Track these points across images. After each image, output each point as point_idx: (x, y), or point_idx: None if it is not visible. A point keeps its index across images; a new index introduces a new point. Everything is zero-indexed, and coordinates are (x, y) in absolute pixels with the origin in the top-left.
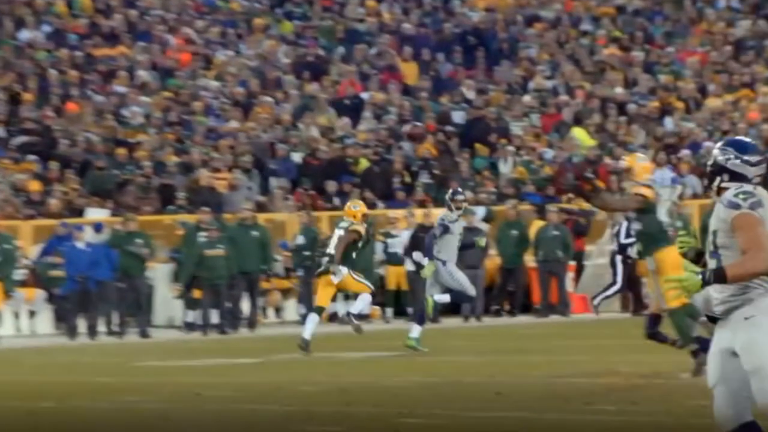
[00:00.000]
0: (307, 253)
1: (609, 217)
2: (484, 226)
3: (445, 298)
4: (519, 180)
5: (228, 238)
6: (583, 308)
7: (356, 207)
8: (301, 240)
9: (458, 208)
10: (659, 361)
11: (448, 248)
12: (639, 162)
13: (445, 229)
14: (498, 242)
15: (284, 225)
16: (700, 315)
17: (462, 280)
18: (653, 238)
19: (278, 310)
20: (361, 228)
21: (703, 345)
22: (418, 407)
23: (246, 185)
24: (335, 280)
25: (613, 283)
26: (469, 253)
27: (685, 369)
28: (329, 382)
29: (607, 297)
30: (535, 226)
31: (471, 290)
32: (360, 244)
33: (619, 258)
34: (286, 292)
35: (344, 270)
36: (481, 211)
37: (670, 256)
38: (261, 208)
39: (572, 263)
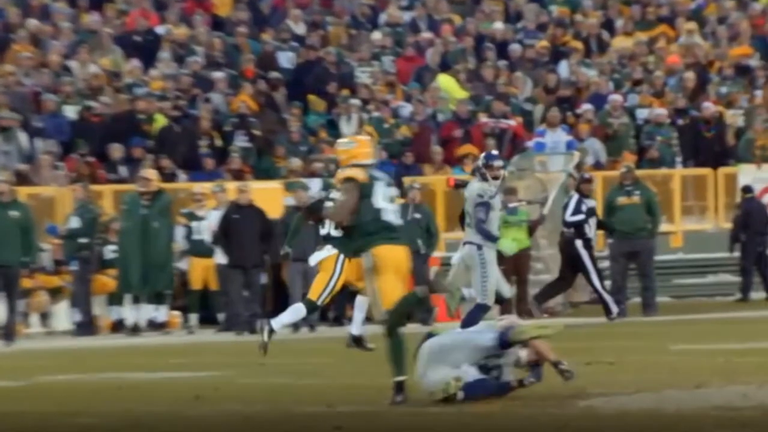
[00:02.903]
0: (84, 240)
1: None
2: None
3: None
4: None
5: None
6: (444, 314)
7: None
8: (75, 223)
9: (495, 178)
10: None
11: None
12: (343, 147)
13: (487, 207)
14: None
15: (53, 202)
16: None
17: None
18: (367, 230)
19: (45, 317)
20: None
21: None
22: None
23: (1, 149)
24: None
25: (587, 275)
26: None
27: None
28: (115, 413)
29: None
30: None
31: (506, 291)
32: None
33: (579, 243)
34: (55, 293)
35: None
36: (317, 184)
37: (392, 253)
38: (21, 179)
39: (436, 255)
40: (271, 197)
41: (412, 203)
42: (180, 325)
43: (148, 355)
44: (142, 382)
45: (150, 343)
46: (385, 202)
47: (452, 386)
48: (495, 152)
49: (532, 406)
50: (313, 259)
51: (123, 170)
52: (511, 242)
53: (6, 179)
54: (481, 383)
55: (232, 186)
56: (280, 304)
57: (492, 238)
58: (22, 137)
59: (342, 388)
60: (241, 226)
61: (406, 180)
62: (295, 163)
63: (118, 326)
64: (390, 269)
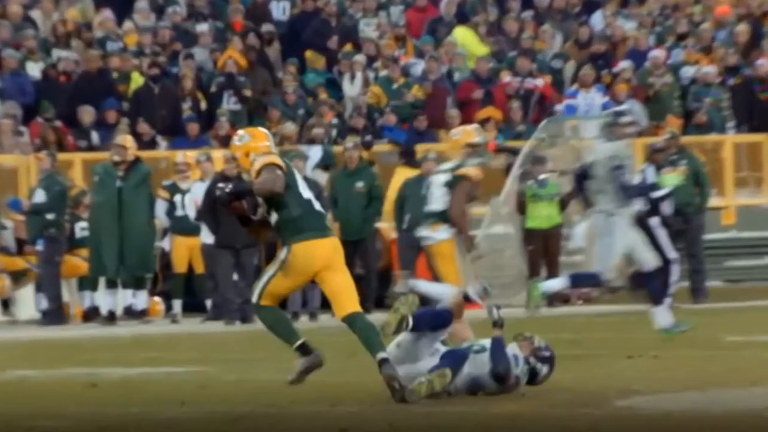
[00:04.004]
0: (51, 216)
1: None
2: (322, 176)
3: (558, 284)
4: (373, 107)
5: None
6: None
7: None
8: (41, 196)
9: (623, 136)
10: None
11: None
12: (237, 143)
13: (625, 170)
14: (334, 202)
15: (15, 173)
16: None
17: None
18: (299, 224)
19: (6, 304)
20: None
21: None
22: None
23: None
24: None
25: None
26: None
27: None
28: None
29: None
30: (399, 177)
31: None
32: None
33: (656, 221)
34: (18, 277)
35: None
36: (317, 152)
37: (312, 251)
38: None
39: None
40: None
41: (426, 176)
42: (162, 313)
43: (125, 348)
44: (118, 378)
45: (127, 333)
46: (307, 191)
47: (437, 383)
48: (624, 107)
49: (563, 406)
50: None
51: (94, 137)
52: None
53: None
54: (446, 362)
55: (219, 154)
56: None
57: (631, 194)
58: None
59: (346, 385)
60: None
61: (419, 148)
62: (291, 128)
63: (90, 314)
64: (298, 270)
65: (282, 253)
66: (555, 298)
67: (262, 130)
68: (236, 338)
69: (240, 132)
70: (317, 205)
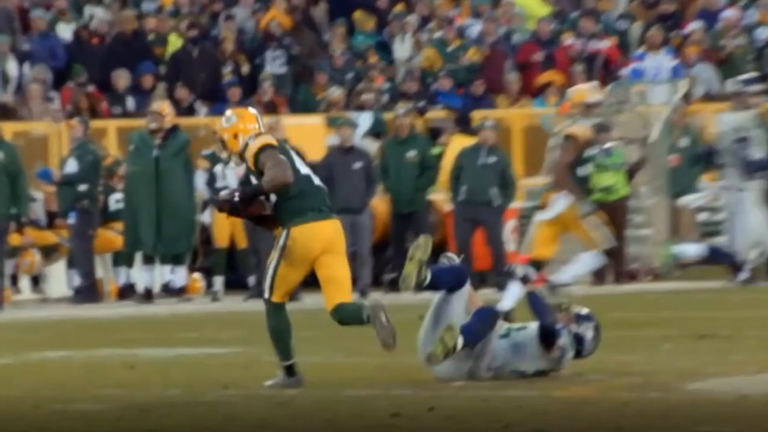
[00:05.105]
0: (83, 187)
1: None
2: (372, 144)
3: (694, 251)
4: (426, 71)
5: None
6: None
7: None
8: (73, 166)
9: (752, 106)
10: None
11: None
12: (224, 125)
13: (744, 143)
14: (385, 172)
15: (45, 142)
16: None
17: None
18: (298, 203)
19: (37, 281)
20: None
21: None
22: None
23: None
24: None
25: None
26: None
27: None
28: (121, 397)
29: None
30: (455, 146)
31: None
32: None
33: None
34: (49, 252)
35: None
36: (367, 119)
37: (312, 234)
38: (7, 114)
39: (514, 207)
40: (309, 135)
41: (484, 145)
42: (202, 290)
43: (163, 328)
44: (156, 360)
45: (165, 312)
46: (304, 166)
47: (447, 337)
48: (754, 75)
49: (632, 390)
50: None
51: (130, 102)
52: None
53: None
54: (476, 318)
55: (263, 121)
56: None
57: (754, 168)
58: (8, 63)
59: (397, 367)
60: None
61: (476, 115)
62: (339, 93)
63: (126, 292)
64: (299, 257)
65: (281, 239)
66: (687, 265)
67: (251, 110)
68: None
69: (227, 113)
70: (316, 180)
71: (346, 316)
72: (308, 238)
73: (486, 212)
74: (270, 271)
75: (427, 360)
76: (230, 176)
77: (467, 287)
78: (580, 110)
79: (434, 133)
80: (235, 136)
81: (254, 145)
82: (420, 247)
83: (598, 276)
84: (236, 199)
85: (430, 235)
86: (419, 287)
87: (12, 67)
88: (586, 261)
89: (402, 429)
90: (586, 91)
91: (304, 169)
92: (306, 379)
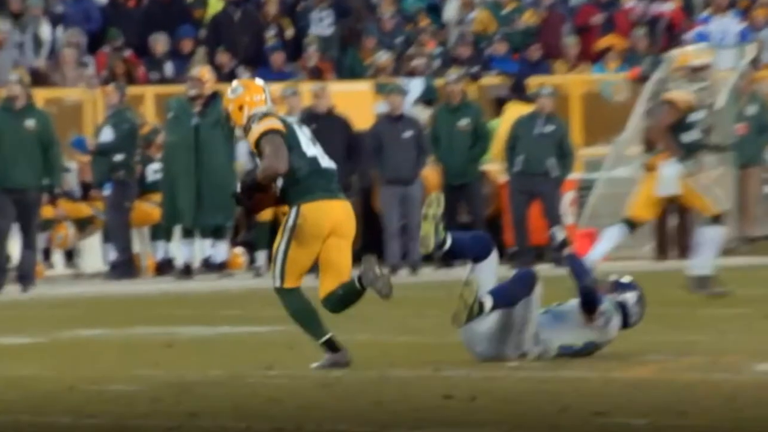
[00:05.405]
0: (119, 157)
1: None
2: (423, 112)
3: None
4: (480, 35)
5: None
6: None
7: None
8: (108, 135)
9: None
10: None
11: None
12: (230, 96)
13: None
14: (436, 141)
15: (80, 109)
16: None
17: None
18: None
19: (71, 255)
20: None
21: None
22: None
23: (13, 39)
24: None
25: None
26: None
27: None
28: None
29: None
30: (511, 115)
31: None
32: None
33: None
34: (84, 225)
35: None
36: (417, 86)
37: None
38: (39, 80)
39: (573, 177)
40: (357, 102)
41: (540, 113)
42: (244, 265)
43: (203, 305)
44: (196, 338)
45: (206, 288)
46: (312, 147)
47: (466, 293)
48: None
49: (697, 370)
50: None
51: (168, 68)
52: None
53: (19, 80)
54: (510, 280)
55: (307, 88)
56: (373, 238)
57: None
58: (40, 26)
59: (448, 347)
60: (320, 140)
61: (532, 82)
62: (387, 58)
63: (164, 267)
64: (310, 235)
65: (290, 218)
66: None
67: (258, 82)
68: None
69: (234, 83)
70: (325, 162)
71: (337, 300)
72: (318, 215)
73: (543, 184)
74: (279, 256)
75: (452, 321)
76: None
77: (538, 292)
78: (684, 73)
79: (499, 102)
80: (240, 108)
81: (257, 130)
82: (432, 204)
83: (661, 251)
84: (237, 190)
85: (483, 206)
86: (439, 248)
87: (45, 30)
88: (613, 235)
89: (454, 411)
90: (691, 53)
91: (311, 151)
92: (352, 358)
